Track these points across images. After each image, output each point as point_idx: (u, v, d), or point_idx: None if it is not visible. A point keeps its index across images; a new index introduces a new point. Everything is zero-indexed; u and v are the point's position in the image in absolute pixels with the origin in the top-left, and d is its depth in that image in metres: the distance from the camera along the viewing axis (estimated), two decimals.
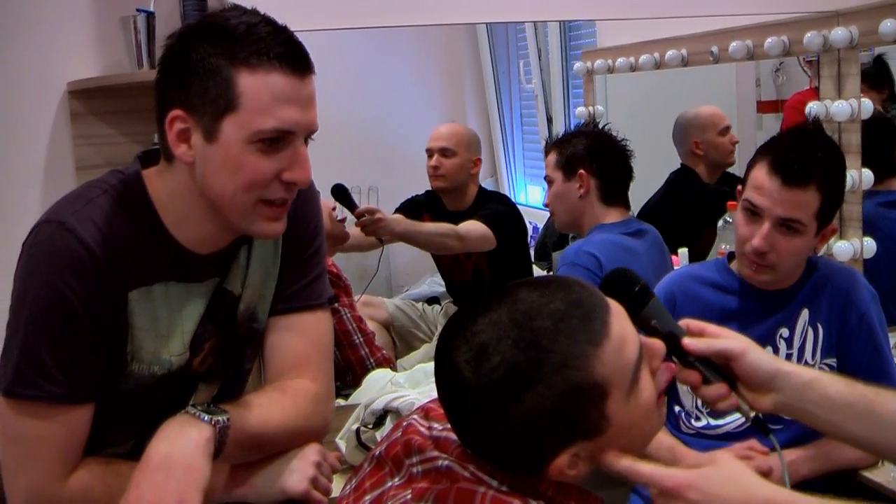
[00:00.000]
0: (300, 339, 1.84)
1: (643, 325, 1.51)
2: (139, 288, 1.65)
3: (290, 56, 1.56)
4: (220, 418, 1.57)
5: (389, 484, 1.40)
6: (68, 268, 1.57)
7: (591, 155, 3.11)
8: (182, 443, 1.52)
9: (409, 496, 1.32)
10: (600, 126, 3.32)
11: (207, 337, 1.78)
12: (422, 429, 1.42)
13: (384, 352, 3.28)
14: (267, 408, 1.71)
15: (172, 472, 1.49)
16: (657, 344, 1.40)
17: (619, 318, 1.31)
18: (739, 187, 2.38)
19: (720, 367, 1.50)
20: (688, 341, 1.49)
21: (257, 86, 1.54)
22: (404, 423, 1.46)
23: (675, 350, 1.51)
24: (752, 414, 1.50)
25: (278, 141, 1.57)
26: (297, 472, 1.72)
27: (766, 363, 1.49)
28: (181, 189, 1.64)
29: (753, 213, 2.26)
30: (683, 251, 3.56)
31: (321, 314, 1.88)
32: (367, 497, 1.41)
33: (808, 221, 2.23)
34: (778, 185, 2.21)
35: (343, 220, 3.57)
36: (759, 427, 1.53)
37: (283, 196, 1.62)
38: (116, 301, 1.63)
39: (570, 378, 1.25)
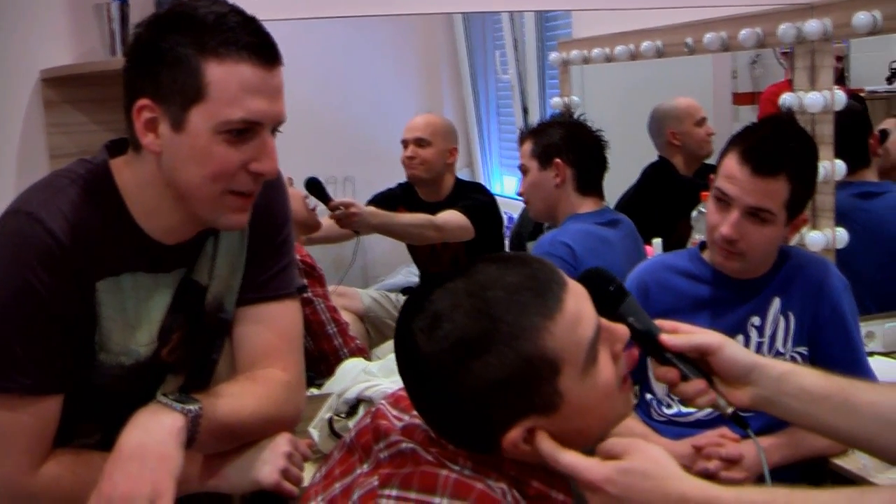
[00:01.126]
0: (270, 329, 1.84)
1: (619, 323, 1.51)
2: (107, 278, 1.65)
3: (259, 47, 1.56)
4: (192, 407, 1.56)
5: (359, 471, 1.40)
6: (36, 259, 1.56)
7: (568, 145, 3.12)
8: (155, 432, 1.51)
9: (376, 483, 1.32)
10: (576, 116, 3.33)
11: (175, 328, 1.78)
12: (390, 415, 1.43)
13: (358, 342, 3.28)
14: (239, 397, 1.71)
15: (146, 462, 1.48)
16: (620, 328, 1.40)
17: (575, 296, 1.32)
18: (711, 176, 2.39)
19: (696, 363, 1.51)
20: (665, 337, 1.50)
21: (225, 76, 1.53)
22: (373, 409, 1.47)
23: (652, 347, 1.52)
24: (731, 410, 1.50)
25: (246, 132, 1.56)
26: (269, 463, 1.72)
27: (743, 357, 1.50)
28: (149, 179, 1.63)
29: (724, 201, 2.27)
30: (657, 241, 3.57)
31: (290, 303, 1.88)
32: (337, 484, 1.41)
33: (777, 211, 2.24)
34: (748, 174, 2.22)
35: (314, 209, 3.57)
36: (738, 422, 1.53)
37: (250, 187, 1.62)
38: (85, 292, 1.63)
39: (521, 349, 1.26)
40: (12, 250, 1.57)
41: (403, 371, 1.35)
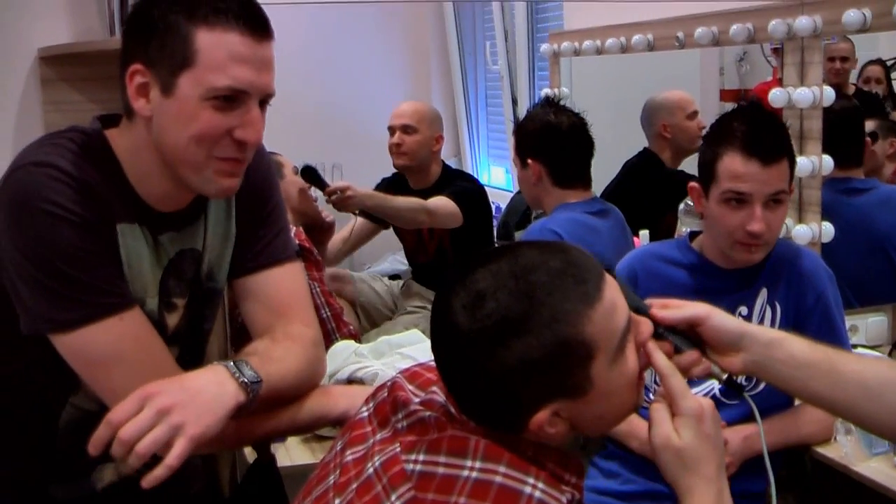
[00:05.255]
0: (279, 291, 1.86)
1: None
2: (123, 223, 1.66)
3: (249, 17, 1.58)
4: (255, 383, 1.59)
5: (372, 440, 1.42)
6: (56, 194, 1.55)
7: (538, 144, 3.16)
8: (214, 390, 1.54)
9: (398, 449, 1.35)
10: (560, 103, 3.30)
11: (179, 293, 1.79)
12: (407, 388, 1.46)
13: (351, 327, 3.30)
14: (284, 360, 1.72)
15: (194, 400, 1.50)
16: (644, 321, 1.44)
17: (611, 287, 1.36)
18: (695, 185, 2.42)
19: (687, 335, 1.54)
20: (657, 311, 1.53)
21: (214, 43, 1.56)
22: (389, 383, 1.49)
23: None
24: (725, 376, 1.54)
25: (233, 100, 1.59)
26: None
27: (733, 324, 1.54)
28: (141, 144, 1.65)
29: (739, 200, 2.32)
30: (645, 233, 3.61)
31: (293, 265, 1.90)
32: (349, 452, 1.43)
33: (787, 188, 2.35)
34: (758, 167, 2.28)
35: (315, 200, 3.62)
36: (734, 387, 1.58)
37: (234, 154, 1.64)
38: (108, 227, 1.63)
39: (560, 333, 1.29)
40: (32, 195, 1.55)
41: (439, 346, 1.37)
